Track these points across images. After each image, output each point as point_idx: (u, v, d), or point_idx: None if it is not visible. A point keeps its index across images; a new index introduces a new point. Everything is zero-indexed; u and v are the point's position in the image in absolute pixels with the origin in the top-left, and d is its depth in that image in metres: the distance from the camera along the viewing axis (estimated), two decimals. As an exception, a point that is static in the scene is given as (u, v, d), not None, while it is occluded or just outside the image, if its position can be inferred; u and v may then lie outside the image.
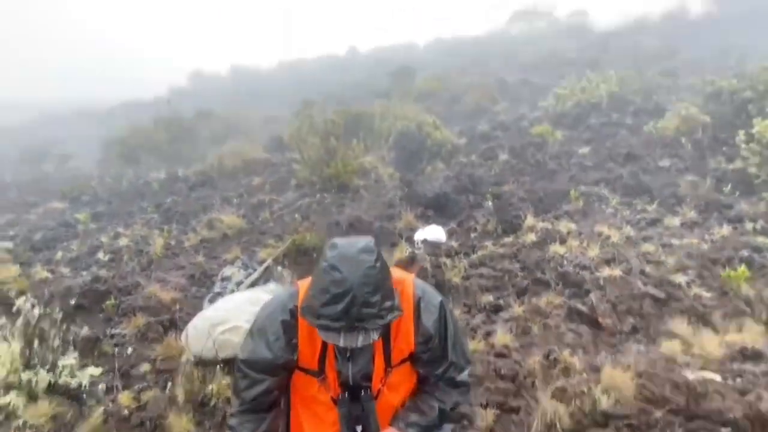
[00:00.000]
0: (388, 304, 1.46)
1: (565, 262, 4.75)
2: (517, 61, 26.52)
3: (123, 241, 7.31)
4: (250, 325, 3.08)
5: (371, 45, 46.97)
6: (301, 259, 5.79)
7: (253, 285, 4.38)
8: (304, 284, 1.69)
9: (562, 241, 5.28)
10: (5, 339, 2.96)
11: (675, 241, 5.27)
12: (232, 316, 3.26)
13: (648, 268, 4.58)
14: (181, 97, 39.49)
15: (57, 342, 3.08)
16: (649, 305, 4.06)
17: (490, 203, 6.98)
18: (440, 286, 4.55)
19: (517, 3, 41.49)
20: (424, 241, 5.71)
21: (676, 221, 5.91)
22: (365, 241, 1.53)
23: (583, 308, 4.03)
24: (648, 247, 5.10)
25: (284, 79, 41.25)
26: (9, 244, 8.18)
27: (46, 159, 21.44)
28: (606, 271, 4.43)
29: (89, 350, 3.54)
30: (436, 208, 7.00)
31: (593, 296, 4.12)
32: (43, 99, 53.63)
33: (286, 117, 19.91)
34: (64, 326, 3.27)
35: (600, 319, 3.88)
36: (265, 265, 4.83)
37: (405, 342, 1.68)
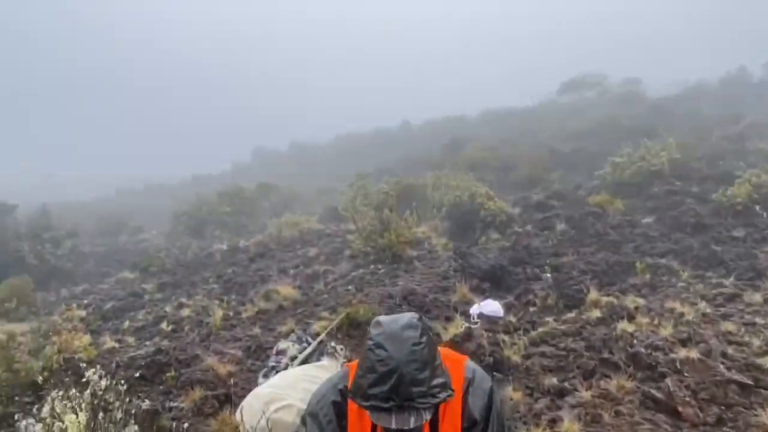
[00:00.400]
0: (439, 381, 1.43)
1: (635, 342, 4.43)
2: (569, 130, 26.53)
3: (185, 312, 7.59)
4: (303, 403, 3.05)
5: (423, 118, 48.65)
6: (354, 332, 5.74)
7: (306, 360, 4.37)
8: (354, 365, 1.69)
9: (630, 318, 4.96)
10: (73, 410, 3.06)
11: (759, 320, 4.82)
12: (285, 394, 3.23)
13: (730, 350, 4.18)
14: (244, 171, 42.15)
15: (120, 414, 3.15)
16: (735, 392, 3.65)
17: (548, 275, 6.75)
18: (499, 364, 4.34)
19: (564, 75, 42.08)
20: (481, 316, 5.54)
21: (757, 297, 5.43)
22: (409, 317, 1.53)
23: (659, 395, 3.69)
24: (728, 325, 4.69)
25: (339, 153, 43.25)
26: (83, 313, 8.70)
27: (121, 231, 23.09)
28: (682, 353, 4.08)
29: (148, 424, 3.59)
30: (492, 281, 6.84)
31: (670, 381, 3.78)
32: (122, 175, 58.85)
33: (340, 189, 20.68)
34: (127, 398, 3.36)
35: (679, 408, 3.53)
36: (318, 339, 4.82)
37: (451, 426, 1.61)
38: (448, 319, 5.61)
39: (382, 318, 1.54)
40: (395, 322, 1.49)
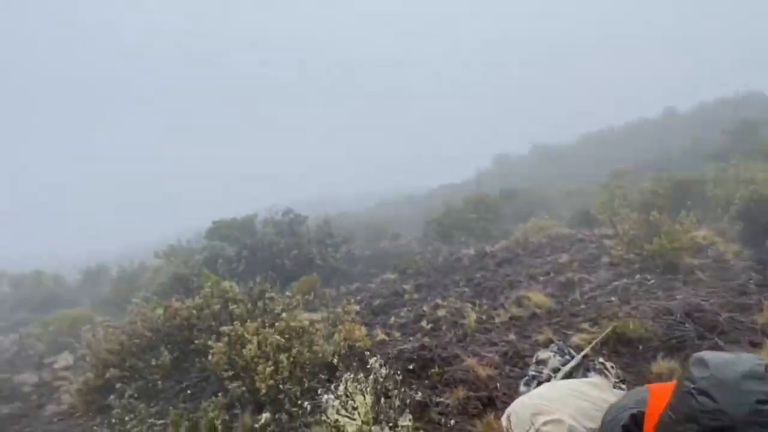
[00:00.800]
0: None
1: None
2: None
3: (441, 312, 8.02)
4: (573, 420, 2.81)
5: (693, 102, 41.10)
6: (623, 349, 5.12)
7: (570, 373, 4.08)
8: (657, 392, 1.44)
9: None
10: (361, 392, 3.52)
11: None
12: (554, 408, 3.05)
13: None
14: (487, 178, 42.90)
15: (397, 402, 3.48)
16: None
17: None
18: None
19: None
20: (808, 345, 4.24)
21: None
22: (752, 361, 1.17)
23: None
24: None
25: (587, 152, 40.02)
26: (357, 308, 10.10)
27: (383, 237, 26.18)
28: None
29: (419, 414, 3.87)
30: (821, 300, 5.19)
31: None
32: (379, 188, 67.06)
33: (590, 190, 19.03)
34: (402, 388, 3.70)
35: None
36: (583, 353, 4.46)
37: None
38: (754, 345, 4.49)
39: (709, 356, 1.23)
40: (730, 367, 1.17)
